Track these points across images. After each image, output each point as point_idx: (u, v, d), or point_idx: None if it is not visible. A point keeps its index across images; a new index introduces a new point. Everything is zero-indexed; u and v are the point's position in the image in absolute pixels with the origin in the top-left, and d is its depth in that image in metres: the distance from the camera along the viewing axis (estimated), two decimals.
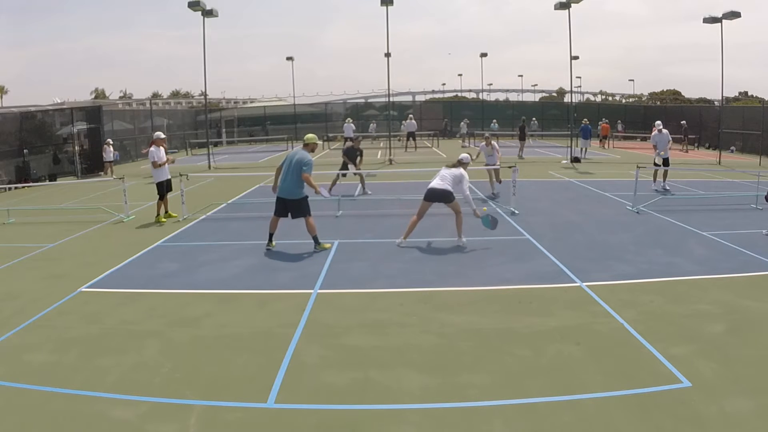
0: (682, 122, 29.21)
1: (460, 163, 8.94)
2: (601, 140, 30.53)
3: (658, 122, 14.40)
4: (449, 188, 8.66)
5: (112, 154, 20.64)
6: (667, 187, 13.93)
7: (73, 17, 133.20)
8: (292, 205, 8.39)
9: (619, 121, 34.37)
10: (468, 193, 8.62)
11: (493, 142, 14.06)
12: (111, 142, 20.87)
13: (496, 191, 13.70)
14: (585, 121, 24.97)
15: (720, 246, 8.45)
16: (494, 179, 13.87)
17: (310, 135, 8.78)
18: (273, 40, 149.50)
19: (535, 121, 36.62)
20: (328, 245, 8.63)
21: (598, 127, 31.14)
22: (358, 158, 13.92)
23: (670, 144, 14.03)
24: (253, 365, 4.73)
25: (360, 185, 14.49)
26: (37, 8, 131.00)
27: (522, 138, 24.85)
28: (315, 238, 8.51)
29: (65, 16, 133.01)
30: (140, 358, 4.90)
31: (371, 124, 37.26)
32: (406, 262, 7.80)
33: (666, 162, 13.95)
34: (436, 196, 8.70)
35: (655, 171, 14.13)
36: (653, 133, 14.12)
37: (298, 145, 8.99)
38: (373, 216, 11.33)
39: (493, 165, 13.70)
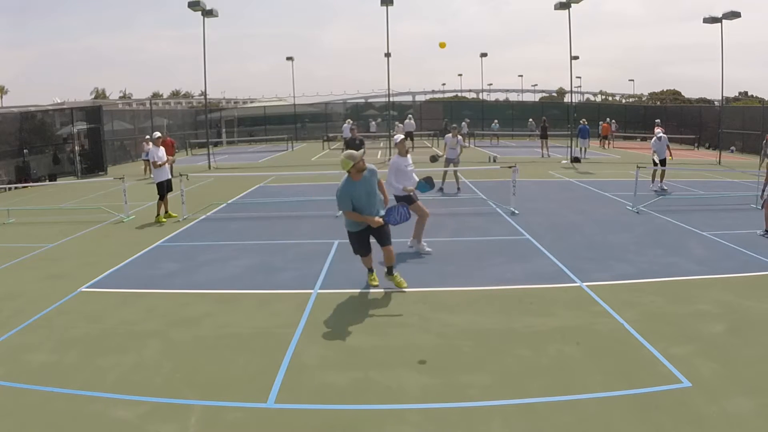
0: (656, 120, 29.60)
1: (403, 145, 8.39)
2: (601, 140, 30.55)
3: (658, 130, 14.39)
4: (398, 192, 8.18)
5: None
6: (665, 188, 13.94)
7: (73, 17, 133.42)
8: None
9: (613, 121, 34.41)
10: (391, 178, 8.14)
11: (458, 136, 14.64)
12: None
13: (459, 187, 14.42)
14: (583, 121, 24.96)
15: (720, 246, 8.45)
16: (456, 176, 14.48)
17: (343, 159, 6.07)
18: (273, 40, 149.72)
19: (532, 122, 36.63)
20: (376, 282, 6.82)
21: (599, 127, 31.20)
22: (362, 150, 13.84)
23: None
24: (253, 365, 4.73)
25: None
26: (37, 8, 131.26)
27: (544, 137, 24.81)
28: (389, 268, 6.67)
29: (65, 16, 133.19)
30: (140, 358, 4.90)
31: (371, 123, 37.32)
32: (406, 262, 7.79)
33: (663, 162, 14.00)
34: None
35: (654, 171, 14.17)
36: (653, 140, 14.19)
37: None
38: None
39: (454, 158, 14.18)
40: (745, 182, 14.99)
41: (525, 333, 5.28)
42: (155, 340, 5.28)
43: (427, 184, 7.82)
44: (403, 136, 8.50)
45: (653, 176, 14.23)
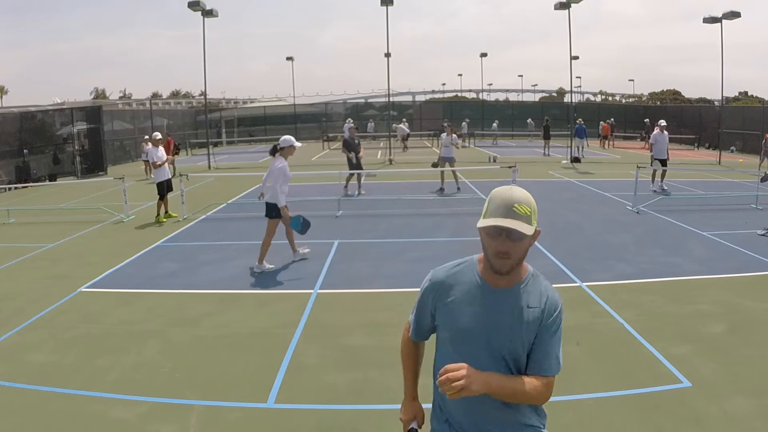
0: (645, 120, 31.73)
1: (275, 150, 7.47)
2: (601, 140, 30.59)
3: (662, 121, 14.39)
4: (269, 199, 7.40)
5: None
6: (665, 187, 13.93)
7: (73, 17, 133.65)
8: None
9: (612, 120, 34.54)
10: (279, 186, 7.21)
11: (453, 134, 14.49)
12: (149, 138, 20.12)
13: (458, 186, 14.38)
14: (579, 120, 25.00)
15: (720, 246, 8.45)
16: (455, 176, 14.45)
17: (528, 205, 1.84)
18: (273, 40, 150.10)
19: (531, 122, 36.63)
20: None
21: (599, 127, 31.35)
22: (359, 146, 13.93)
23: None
24: (253, 365, 4.73)
25: (357, 184, 14.38)
26: (37, 8, 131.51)
27: (546, 137, 25.40)
28: None
29: (65, 16, 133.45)
30: (140, 358, 4.90)
31: (369, 124, 37.30)
32: (406, 262, 7.79)
33: (664, 162, 13.97)
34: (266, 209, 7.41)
35: (654, 171, 14.15)
36: (655, 132, 14.15)
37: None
38: (373, 216, 11.33)
39: (449, 157, 14.14)
40: (745, 182, 14.99)
41: None
42: (155, 340, 5.28)
43: (303, 225, 7.40)
44: (296, 143, 7.67)
45: (653, 176, 14.21)
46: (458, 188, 14.22)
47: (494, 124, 35.81)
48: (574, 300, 6.15)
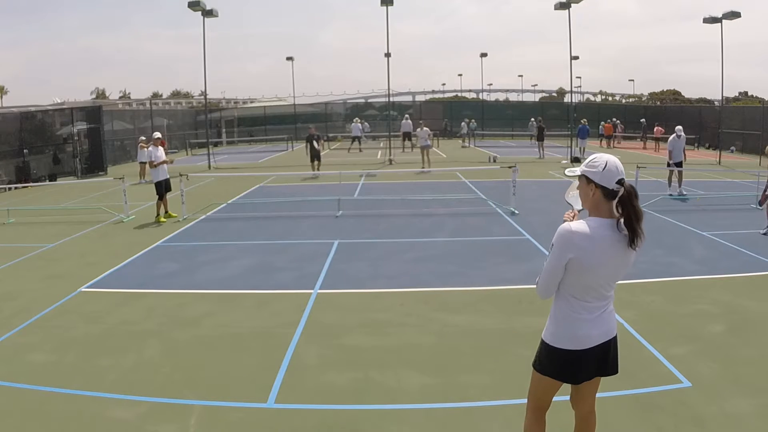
0: (641, 120, 32.21)
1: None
2: (601, 140, 30.58)
3: (679, 127, 14.06)
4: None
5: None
6: (684, 192, 13.44)
7: (72, 17, 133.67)
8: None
9: (617, 121, 34.49)
10: None
11: (425, 128, 20.17)
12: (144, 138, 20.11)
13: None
14: (583, 121, 24.92)
15: (720, 246, 8.45)
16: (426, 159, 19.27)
17: None
18: (273, 40, 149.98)
19: (533, 121, 36.55)
20: None
21: (600, 127, 31.38)
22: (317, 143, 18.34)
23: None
24: (253, 365, 4.73)
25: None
26: (37, 8, 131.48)
27: (540, 139, 24.32)
28: None
29: (64, 16, 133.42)
30: (140, 358, 4.90)
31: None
32: (406, 262, 7.79)
33: (679, 164, 13.64)
34: None
35: (670, 174, 13.75)
36: (671, 138, 13.81)
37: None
38: (373, 216, 11.33)
39: (425, 145, 19.47)
40: (745, 182, 14.98)
41: (525, 333, 5.27)
42: (155, 340, 5.28)
43: None
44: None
45: (669, 179, 13.85)
46: (422, 169, 18.03)
47: (471, 123, 34.87)
48: None
